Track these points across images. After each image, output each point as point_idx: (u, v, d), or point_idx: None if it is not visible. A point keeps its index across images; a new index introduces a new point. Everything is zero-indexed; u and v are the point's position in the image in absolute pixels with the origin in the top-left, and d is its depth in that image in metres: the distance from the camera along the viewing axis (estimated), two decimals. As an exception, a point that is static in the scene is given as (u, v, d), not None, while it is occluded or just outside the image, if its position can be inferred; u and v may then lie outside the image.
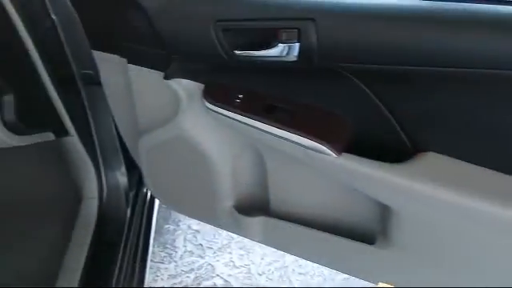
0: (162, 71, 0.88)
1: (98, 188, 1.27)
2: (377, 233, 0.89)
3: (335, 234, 0.92)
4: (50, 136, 1.11)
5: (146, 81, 0.93)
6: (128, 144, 1.17)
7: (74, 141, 1.16)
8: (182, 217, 1.77)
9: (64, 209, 1.31)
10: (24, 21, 0.92)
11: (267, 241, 1.07)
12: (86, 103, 1.19)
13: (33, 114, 0.99)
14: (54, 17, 1.04)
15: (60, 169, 1.36)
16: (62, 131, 1.12)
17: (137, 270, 1.24)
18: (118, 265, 1.17)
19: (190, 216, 1.20)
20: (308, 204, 0.96)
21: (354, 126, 0.79)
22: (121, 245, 1.22)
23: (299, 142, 0.78)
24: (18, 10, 0.90)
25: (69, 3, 1.05)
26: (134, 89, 0.96)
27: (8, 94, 0.90)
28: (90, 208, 1.25)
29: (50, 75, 1.01)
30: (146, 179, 1.16)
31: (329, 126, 0.79)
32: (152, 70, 0.90)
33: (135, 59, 0.91)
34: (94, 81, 1.17)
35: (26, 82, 0.96)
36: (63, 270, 1.10)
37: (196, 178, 1.02)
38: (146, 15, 0.79)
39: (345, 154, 0.76)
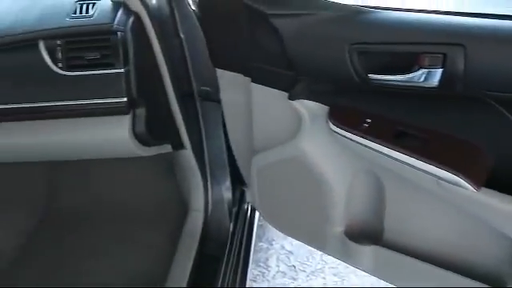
0: (286, 91, 0.89)
1: (204, 201, 1.30)
2: (509, 276, 0.82)
3: (459, 273, 0.85)
4: (167, 148, 1.16)
5: (268, 100, 0.94)
6: (239, 160, 1.19)
7: (187, 154, 1.20)
8: (275, 236, 1.76)
9: (171, 218, 1.36)
10: (159, 38, 0.98)
11: (378, 272, 1.02)
12: (200, 118, 1.23)
13: (157, 127, 1.04)
14: (182, 35, 1.10)
15: (170, 180, 1.42)
16: (178, 144, 1.16)
17: (237, 286, 1.25)
18: (221, 279, 1.18)
19: (294, 237, 1.18)
20: (429, 237, 0.90)
21: (493, 158, 0.73)
22: (223, 259, 1.23)
23: (432, 171, 0.74)
24: (155, 29, 0.96)
25: (197, 24, 1.11)
26: (254, 107, 0.98)
27: (141, 107, 0.95)
28: (196, 220, 1.29)
29: (174, 90, 1.06)
30: (254, 196, 1.17)
31: (465, 156, 0.74)
32: (276, 90, 0.91)
33: (260, 79, 0.93)
34: (210, 97, 1.22)
35: (155, 96, 1.02)
36: (171, 277, 1.13)
37: (308, 200, 1.01)
38: (281, 38, 0.80)
39: (484, 189, 0.71)
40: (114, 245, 1.40)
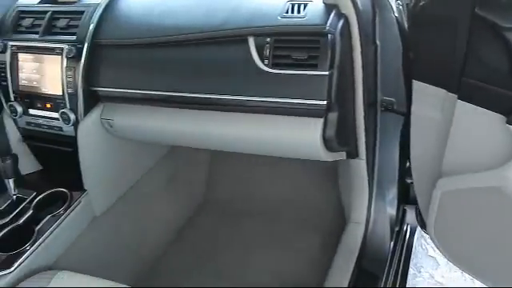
0: (504, 115, 0.80)
1: (367, 214, 1.25)
2: None
3: None
4: (342, 155, 1.13)
5: (475, 121, 0.86)
6: (416, 179, 1.11)
7: (360, 164, 1.16)
8: (424, 263, 1.64)
9: (328, 227, 1.34)
10: (361, 44, 0.95)
11: None
12: (378, 129, 1.18)
13: (341, 133, 1.02)
14: (378, 42, 1.06)
15: (332, 187, 1.40)
16: (353, 153, 1.13)
17: (392, 309, 1.18)
18: (377, 298, 1.13)
19: (475, 276, 1.07)
20: None
21: None
22: (382, 278, 1.17)
23: None
24: (359, 33, 0.94)
25: (396, 31, 1.06)
26: (454, 127, 0.90)
27: (334, 112, 0.94)
28: (355, 233, 1.24)
29: (363, 98, 1.03)
30: (429, 221, 1.08)
31: None
32: (489, 111, 0.82)
33: (471, 97, 0.85)
34: (393, 108, 1.16)
35: (345, 102, 0.99)
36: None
37: (505, 238, 0.90)
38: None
39: None
40: (268, 243, 1.43)
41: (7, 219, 1.16)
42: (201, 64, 0.98)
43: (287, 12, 0.92)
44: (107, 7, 1.12)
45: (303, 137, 0.96)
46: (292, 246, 1.37)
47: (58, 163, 1.28)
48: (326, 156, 1.00)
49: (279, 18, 0.92)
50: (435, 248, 1.14)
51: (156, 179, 1.50)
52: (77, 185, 1.22)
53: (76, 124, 1.15)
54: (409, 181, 1.27)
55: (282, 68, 0.91)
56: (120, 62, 1.09)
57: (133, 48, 1.05)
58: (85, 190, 1.22)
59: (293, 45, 0.90)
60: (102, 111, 1.16)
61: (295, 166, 1.27)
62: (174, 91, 1.01)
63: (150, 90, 1.04)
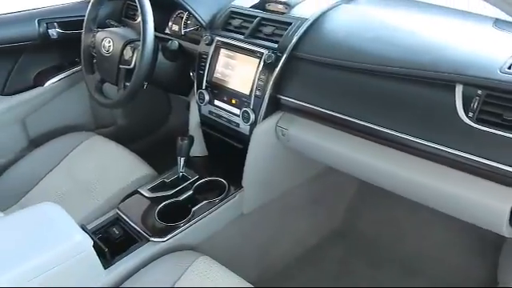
0: None
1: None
2: None
3: None
4: None
5: None
6: None
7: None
8: None
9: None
10: None
11: None
12: None
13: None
14: None
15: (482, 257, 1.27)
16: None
17: None
18: None
19: None
20: None
21: None
22: None
23: None
24: None
25: None
26: None
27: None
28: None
29: None
30: None
31: None
32: None
33: None
34: None
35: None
36: None
37: None
38: None
39: None
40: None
41: (170, 192, 1.27)
42: (398, 100, 0.95)
43: (510, 68, 0.84)
44: (314, 23, 1.15)
45: (489, 204, 0.87)
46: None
47: (225, 155, 1.36)
48: (509, 232, 0.89)
49: (499, 71, 0.84)
50: None
51: (302, 194, 1.51)
52: (235, 179, 1.29)
53: (253, 124, 1.20)
54: None
55: (488, 126, 0.83)
56: (313, 78, 1.11)
57: (330, 68, 1.06)
58: (241, 187, 1.28)
59: (507, 104, 0.82)
60: (279, 119, 1.20)
61: (450, 224, 1.16)
62: (361, 119, 0.99)
63: (336, 112, 1.04)
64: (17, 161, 1.53)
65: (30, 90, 1.66)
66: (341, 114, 1.03)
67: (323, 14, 1.17)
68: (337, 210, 1.68)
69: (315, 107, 1.08)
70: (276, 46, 1.16)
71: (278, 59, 1.14)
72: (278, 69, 1.14)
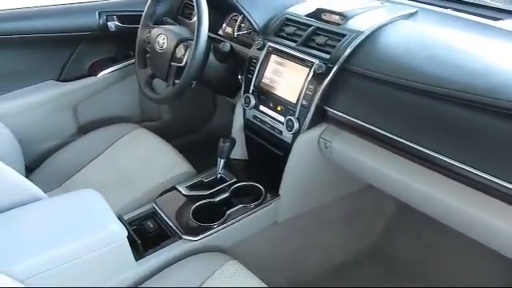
0: None
1: None
2: None
3: None
4: None
5: None
6: None
7: None
8: None
9: None
10: None
11: None
12: None
13: None
14: None
15: None
16: None
17: None
18: None
19: None
20: None
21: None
22: None
23: None
24: None
25: None
26: None
27: None
28: None
29: None
30: None
31: None
32: None
33: None
34: None
35: None
36: None
37: None
38: None
39: None
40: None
41: (207, 192, 1.27)
42: (450, 124, 0.91)
43: None
44: (369, 36, 1.13)
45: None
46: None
47: (264, 161, 1.35)
48: None
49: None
50: None
51: (339, 209, 1.48)
52: (273, 186, 1.28)
53: (296, 133, 1.19)
54: None
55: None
56: (362, 93, 1.08)
57: (382, 84, 1.03)
58: (278, 195, 1.26)
59: None
60: (323, 130, 1.18)
61: (490, 254, 1.11)
62: (408, 140, 0.95)
63: (383, 130, 1.01)
64: (65, 145, 1.59)
65: (84, 79, 1.72)
66: (388, 132, 1.00)
67: (379, 29, 1.15)
68: (372, 230, 1.64)
69: (362, 123, 1.05)
70: (328, 56, 1.14)
71: (328, 70, 1.12)
72: (327, 80, 1.12)
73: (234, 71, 1.45)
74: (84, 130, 1.74)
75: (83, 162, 1.45)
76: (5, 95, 1.60)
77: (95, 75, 1.74)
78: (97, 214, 1.00)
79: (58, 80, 1.70)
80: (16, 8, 1.61)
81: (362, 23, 1.17)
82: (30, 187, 1.03)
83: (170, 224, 1.18)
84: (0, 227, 0.94)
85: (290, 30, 1.29)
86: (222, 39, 1.52)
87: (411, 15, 1.24)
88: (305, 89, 1.16)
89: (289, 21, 1.32)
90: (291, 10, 1.35)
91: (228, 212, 1.21)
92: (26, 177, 1.07)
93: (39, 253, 0.89)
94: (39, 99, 1.64)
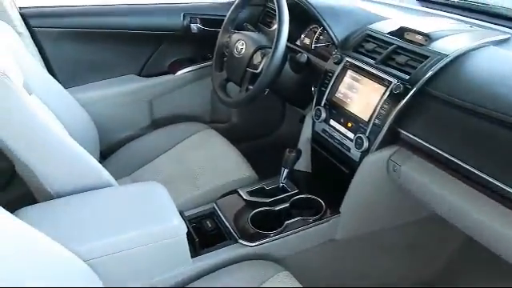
0: None
1: None
2: None
3: None
4: None
5: None
6: None
7: None
8: None
9: None
10: None
11: None
12: None
13: None
14: None
15: None
16: None
17: None
18: None
19: None
20: None
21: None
22: None
23: None
24: None
25: None
26: None
27: None
28: None
29: None
30: None
31: None
32: None
33: None
34: None
35: None
36: None
37: None
38: None
39: None
40: None
41: (267, 200, 1.28)
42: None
43: None
44: (454, 60, 1.07)
45: None
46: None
47: (328, 176, 1.33)
48: None
49: None
50: None
51: (400, 235, 1.42)
52: (334, 203, 1.25)
53: (365, 152, 1.16)
54: None
55: None
56: (441, 118, 1.03)
57: (463, 111, 0.97)
58: (339, 212, 1.24)
59: None
60: (394, 152, 1.14)
61: None
62: (487, 174, 0.90)
63: (459, 159, 0.95)
64: (137, 137, 1.67)
65: (163, 76, 1.80)
66: (464, 162, 0.94)
67: (466, 53, 1.09)
68: (433, 262, 1.56)
69: (436, 149, 1.01)
70: (407, 77, 1.10)
71: (406, 91, 1.08)
72: (404, 101, 1.08)
73: (307, 82, 1.45)
74: (156, 123, 1.82)
75: (153, 154, 1.51)
76: (89, 84, 1.71)
77: (173, 73, 1.81)
78: (161, 207, 1.03)
79: (139, 75, 1.79)
80: (108, 4, 1.72)
81: (447, 46, 1.12)
82: (103, 173, 1.09)
83: (228, 226, 1.20)
84: (73, 208, 1.00)
85: (369, 46, 1.26)
86: (299, 50, 1.52)
87: (503, 42, 1.17)
88: (379, 108, 1.13)
89: (369, 37, 1.29)
90: (373, 26, 1.33)
91: (286, 222, 1.20)
92: (100, 162, 1.13)
93: (105, 237, 0.93)
94: (119, 91, 1.74)
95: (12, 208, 0.70)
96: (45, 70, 1.45)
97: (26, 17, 1.55)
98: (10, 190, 1.53)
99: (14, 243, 0.70)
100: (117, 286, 0.96)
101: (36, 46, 1.57)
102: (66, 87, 1.45)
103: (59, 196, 1.04)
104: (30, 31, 1.55)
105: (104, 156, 1.60)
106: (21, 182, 1.13)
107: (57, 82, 1.41)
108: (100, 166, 1.10)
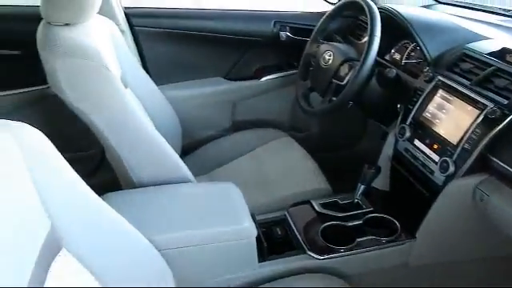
0: None
1: None
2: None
3: None
4: None
5: None
6: None
7: None
8: None
9: None
10: None
11: None
12: None
13: None
14: None
15: None
16: None
17: None
18: None
19: None
20: None
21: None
22: None
23: None
24: None
25: None
26: None
27: None
28: None
29: None
30: None
31: None
32: None
33: None
34: None
35: None
36: None
37: None
38: None
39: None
40: None
41: (340, 215, 1.25)
42: None
43: None
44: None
45: None
46: None
47: (407, 197, 1.27)
48: None
49: None
50: None
51: (478, 270, 1.32)
52: (410, 226, 1.20)
53: (450, 177, 1.09)
54: None
55: None
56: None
57: None
58: (415, 237, 1.18)
59: None
60: (482, 180, 1.07)
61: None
62: None
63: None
64: (218, 137, 1.72)
65: (248, 81, 1.84)
66: None
67: None
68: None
69: None
70: (505, 102, 1.03)
71: (503, 117, 1.01)
72: (499, 127, 1.01)
73: (393, 98, 1.40)
74: (237, 126, 1.86)
75: (231, 156, 1.55)
76: (179, 83, 1.80)
77: (259, 79, 1.84)
78: (235, 208, 1.06)
79: (225, 78, 1.85)
80: (203, 9, 1.80)
81: (556, 72, 1.03)
82: (184, 169, 1.14)
83: (298, 236, 1.19)
84: (153, 198, 1.06)
85: (465, 66, 1.19)
86: (387, 65, 1.48)
87: None
88: (470, 132, 1.06)
89: (466, 56, 1.22)
90: (472, 45, 1.25)
91: (358, 240, 1.17)
92: (181, 158, 1.17)
93: (179, 230, 0.97)
94: (205, 92, 1.81)
95: (98, 193, 0.76)
96: (140, 67, 1.55)
97: (129, 16, 1.66)
98: (99, 176, 1.65)
99: (98, 223, 0.75)
100: (184, 278, 0.99)
101: (135, 43, 1.68)
102: (156, 84, 1.53)
103: (141, 185, 1.10)
104: (131, 29, 1.67)
105: (185, 152, 1.67)
106: (107, 169, 1.21)
107: (150, 78, 1.49)
108: (181, 161, 1.15)
